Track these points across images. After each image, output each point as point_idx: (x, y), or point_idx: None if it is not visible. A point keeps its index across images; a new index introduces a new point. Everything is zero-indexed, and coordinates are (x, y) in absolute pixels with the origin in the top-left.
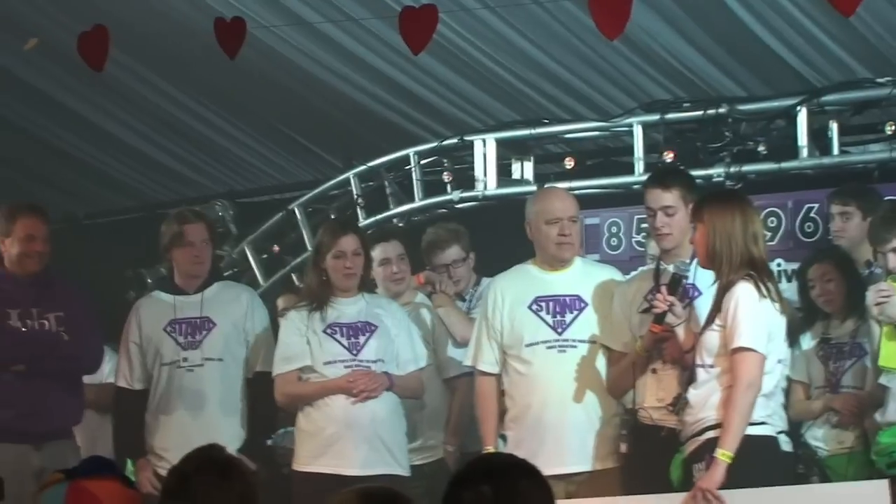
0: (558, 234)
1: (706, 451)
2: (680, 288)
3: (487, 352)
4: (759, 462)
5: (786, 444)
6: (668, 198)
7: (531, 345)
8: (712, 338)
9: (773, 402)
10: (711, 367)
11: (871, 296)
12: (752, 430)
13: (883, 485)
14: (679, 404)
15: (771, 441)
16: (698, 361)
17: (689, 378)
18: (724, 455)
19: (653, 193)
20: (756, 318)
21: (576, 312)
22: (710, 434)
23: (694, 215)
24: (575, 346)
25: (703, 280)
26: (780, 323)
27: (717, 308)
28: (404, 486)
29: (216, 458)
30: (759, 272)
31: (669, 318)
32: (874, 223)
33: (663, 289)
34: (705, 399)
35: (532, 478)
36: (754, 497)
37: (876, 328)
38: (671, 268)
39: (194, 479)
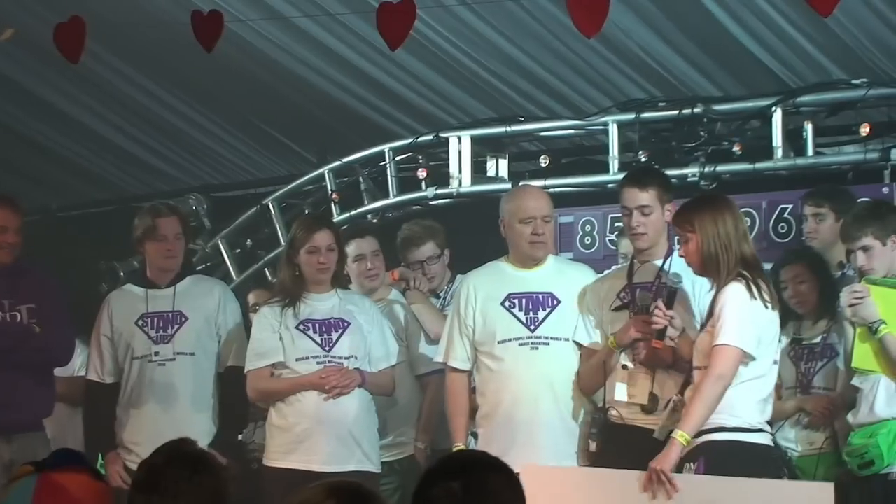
0: (531, 234)
1: (700, 452)
2: (676, 300)
3: (459, 348)
4: (756, 471)
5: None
6: (645, 197)
7: (503, 342)
8: (706, 340)
9: (769, 406)
10: (706, 368)
11: (845, 297)
12: (749, 438)
13: (828, 487)
14: (675, 406)
15: (767, 450)
16: (694, 363)
17: (685, 380)
18: (681, 436)
19: (630, 193)
20: (742, 317)
21: (548, 310)
22: (705, 437)
23: (681, 225)
24: (547, 344)
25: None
26: (772, 324)
27: (710, 311)
28: (375, 482)
29: (187, 453)
30: (751, 270)
31: (670, 332)
32: (846, 221)
33: (661, 303)
34: None
35: (502, 475)
36: (704, 484)
37: (849, 329)
38: (670, 280)
39: (165, 472)
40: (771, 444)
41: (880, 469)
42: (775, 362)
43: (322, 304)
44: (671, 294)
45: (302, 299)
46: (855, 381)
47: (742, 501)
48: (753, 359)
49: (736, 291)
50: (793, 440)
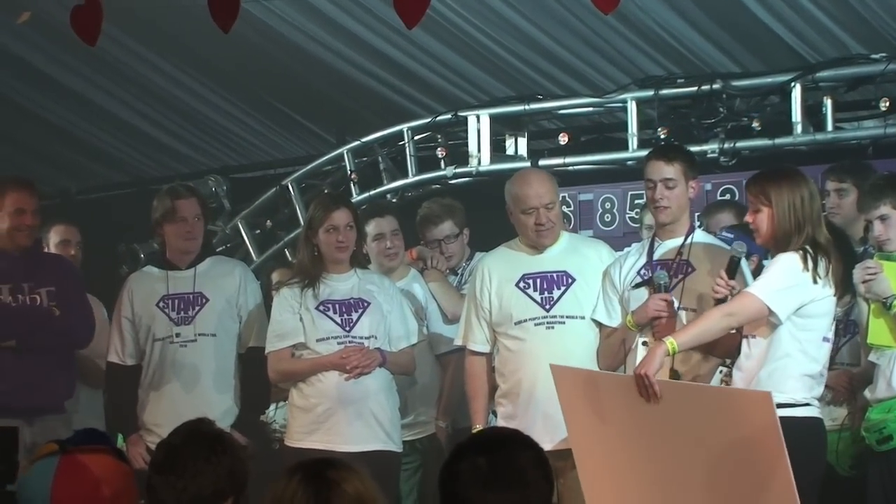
0: (535, 224)
1: None
2: (738, 270)
3: (477, 331)
4: (799, 442)
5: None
6: (670, 170)
7: (520, 322)
8: None
9: (819, 384)
10: (754, 336)
11: (858, 273)
12: (794, 412)
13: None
14: (723, 378)
15: (812, 422)
16: (744, 332)
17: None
18: (670, 343)
19: (655, 165)
20: (782, 280)
21: (563, 288)
22: None
23: (756, 195)
24: (563, 322)
25: (697, 257)
26: (822, 300)
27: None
28: (397, 462)
29: (204, 433)
30: (816, 249)
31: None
32: (863, 191)
33: (723, 273)
34: (748, 377)
35: (530, 452)
36: (685, 391)
37: (864, 306)
38: (734, 250)
39: (182, 453)
40: (819, 416)
41: None
42: (825, 339)
43: (341, 284)
44: (733, 263)
45: (321, 280)
46: (872, 357)
47: (703, 406)
48: (780, 322)
49: (788, 258)
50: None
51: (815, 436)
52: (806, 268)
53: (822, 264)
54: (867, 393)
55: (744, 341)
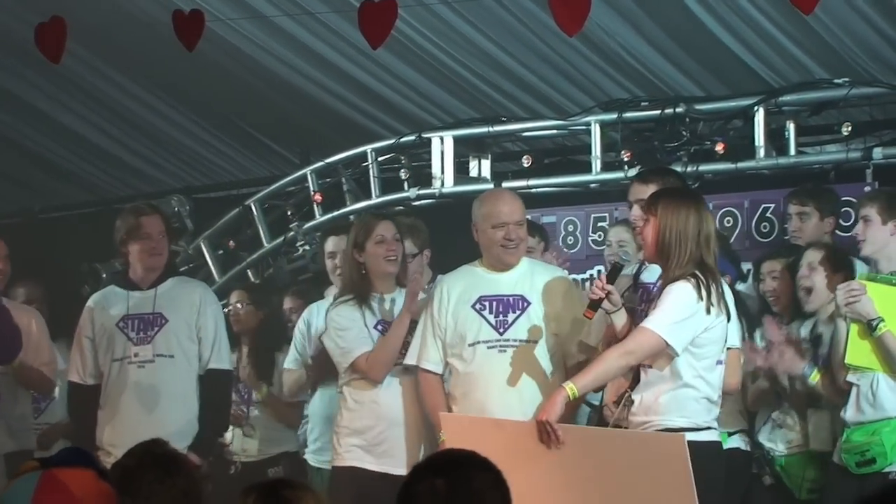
0: (504, 239)
1: None
2: (619, 276)
3: (432, 351)
4: (703, 467)
5: (743, 444)
6: (645, 191)
7: (473, 344)
8: None
9: (717, 405)
10: (650, 367)
11: (842, 294)
12: (698, 436)
13: (680, 437)
14: (624, 403)
15: (715, 446)
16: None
17: (634, 376)
18: (569, 388)
19: (633, 187)
20: (679, 313)
21: (518, 312)
22: None
23: (646, 207)
24: (515, 346)
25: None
26: (715, 328)
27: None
28: None
29: (159, 454)
30: (704, 273)
31: (605, 306)
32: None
33: (602, 276)
34: (649, 402)
35: (488, 474)
36: (585, 435)
37: (842, 326)
38: (618, 256)
39: (136, 474)
40: (718, 439)
41: (882, 468)
42: (719, 362)
43: (391, 304)
44: (615, 269)
45: (371, 298)
46: (851, 378)
47: (613, 450)
48: (677, 354)
49: (683, 289)
50: (770, 440)
51: (717, 459)
52: (700, 297)
53: (713, 291)
54: (848, 415)
55: (641, 371)
